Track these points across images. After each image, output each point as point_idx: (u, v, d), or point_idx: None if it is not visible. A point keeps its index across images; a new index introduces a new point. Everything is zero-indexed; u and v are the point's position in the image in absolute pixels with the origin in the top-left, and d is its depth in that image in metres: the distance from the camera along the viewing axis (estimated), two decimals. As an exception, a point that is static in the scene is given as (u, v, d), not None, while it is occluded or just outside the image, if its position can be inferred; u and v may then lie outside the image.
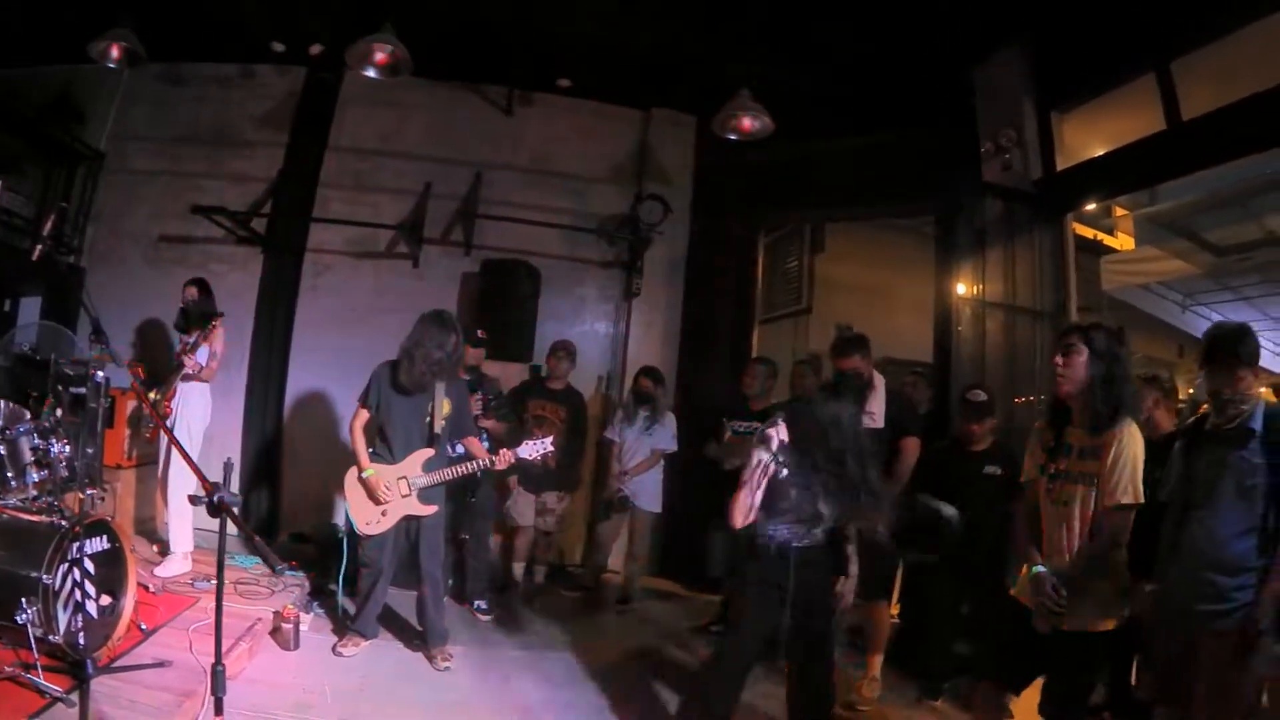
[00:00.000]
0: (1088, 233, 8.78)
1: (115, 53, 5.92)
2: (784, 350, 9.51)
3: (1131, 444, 3.22)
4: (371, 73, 5.73)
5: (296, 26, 7.43)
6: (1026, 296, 6.44)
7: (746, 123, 6.02)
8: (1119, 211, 9.28)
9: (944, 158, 6.94)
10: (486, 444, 5.76)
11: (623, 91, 8.02)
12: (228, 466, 2.93)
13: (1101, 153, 6.29)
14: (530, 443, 5.21)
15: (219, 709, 2.73)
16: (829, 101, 7.18)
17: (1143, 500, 3.22)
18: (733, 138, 6.20)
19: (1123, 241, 9.50)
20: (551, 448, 5.31)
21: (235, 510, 2.66)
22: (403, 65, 5.64)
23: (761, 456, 3.60)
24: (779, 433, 3.63)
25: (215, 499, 2.60)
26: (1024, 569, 3.49)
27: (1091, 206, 7.67)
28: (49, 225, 6.59)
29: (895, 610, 5.88)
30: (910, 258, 9.43)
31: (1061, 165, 6.48)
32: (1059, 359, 3.40)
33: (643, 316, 7.96)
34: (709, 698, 3.91)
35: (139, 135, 8.11)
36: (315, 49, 7.62)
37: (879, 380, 5.16)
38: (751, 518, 3.73)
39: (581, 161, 8.02)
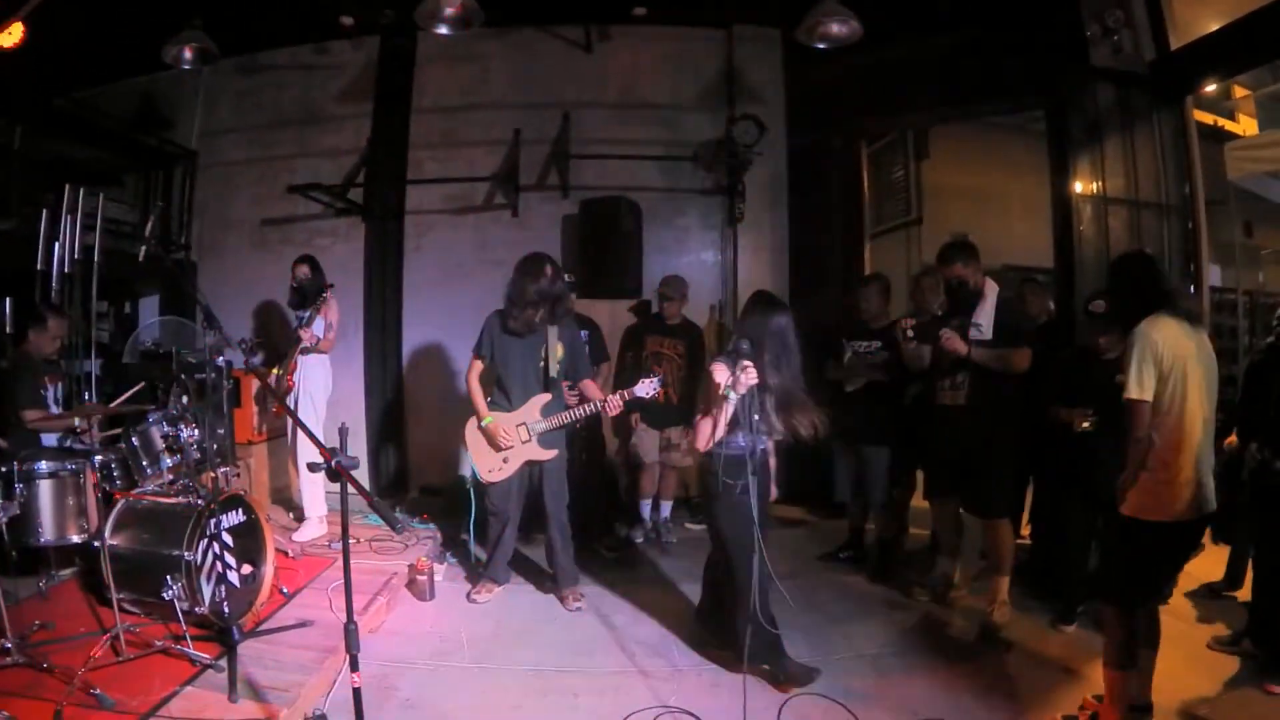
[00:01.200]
0: (1207, 119, 8.18)
1: (189, 54, 5.95)
2: (897, 264, 9.24)
3: (1132, 341, 3.45)
4: (444, 29, 5.56)
5: (363, -2, 7.39)
6: (1150, 190, 6.02)
7: (834, 28, 5.61)
8: (1239, 92, 8.66)
9: (1047, 46, 6.45)
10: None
11: (701, 11, 7.73)
12: (343, 432, 2.96)
13: (1218, 26, 5.77)
14: (644, 381, 5.08)
15: (354, 665, 2.80)
16: (919, -1, 6.78)
17: (1135, 396, 3.40)
18: (821, 46, 5.85)
19: (1245, 125, 8.83)
20: (660, 386, 5.19)
21: (353, 473, 2.67)
22: (474, 16, 5.46)
23: (731, 390, 3.82)
24: (749, 373, 3.82)
25: (333, 464, 2.63)
26: None
27: (1211, 87, 7.11)
28: (150, 226, 6.81)
29: (1026, 530, 5.68)
30: (1021, 158, 9.06)
31: (1175, 44, 5.98)
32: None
33: (749, 241, 7.72)
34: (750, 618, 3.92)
35: (227, 128, 8.32)
36: (385, 16, 7.59)
37: (990, 288, 4.87)
38: (716, 438, 4.03)
39: (669, 90, 7.78)
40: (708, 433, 4.03)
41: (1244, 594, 5.01)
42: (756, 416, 3.90)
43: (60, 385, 5.47)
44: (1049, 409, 4.81)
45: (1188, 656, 4.30)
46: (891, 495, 5.91)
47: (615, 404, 5.09)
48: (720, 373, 3.93)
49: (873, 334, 5.79)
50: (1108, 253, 6.09)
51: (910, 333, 4.99)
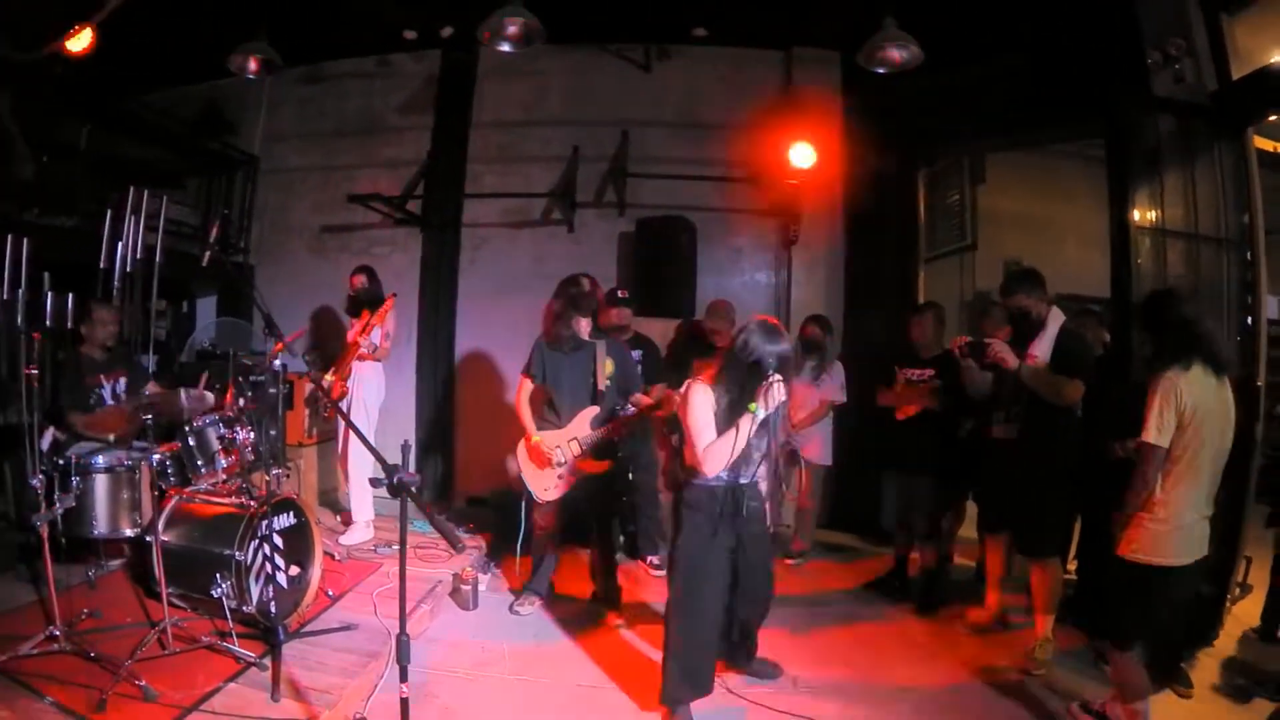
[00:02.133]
0: (1268, 145, 7.98)
1: (254, 65, 6.13)
2: (951, 289, 9.12)
3: (1159, 389, 3.51)
4: (506, 46, 5.64)
5: (426, 11, 7.53)
6: (1209, 222, 5.86)
7: (894, 53, 5.59)
8: (1302, 120, 8.45)
9: (1107, 74, 6.28)
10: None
11: (760, 33, 7.71)
12: (405, 448, 2.97)
13: None
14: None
15: (404, 676, 2.81)
16: (979, 23, 6.68)
17: (1150, 441, 3.50)
18: (880, 70, 5.83)
19: (1308, 154, 8.62)
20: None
21: (414, 489, 2.71)
22: (535, 34, 5.53)
23: (759, 406, 3.55)
24: (779, 389, 3.58)
25: (395, 480, 2.65)
26: None
27: (1274, 118, 6.95)
28: (214, 233, 6.97)
29: (1073, 565, 5.55)
30: (1077, 186, 8.91)
31: (1237, 73, 5.79)
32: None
33: (803, 263, 7.67)
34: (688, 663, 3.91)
35: (289, 135, 8.52)
36: (446, 31, 7.71)
37: (1054, 317, 4.78)
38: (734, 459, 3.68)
39: (726, 110, 7.73)
40: (724, 455, 3.63)
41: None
42: (764, 445, 3.74)
43: (123, 380, 5.54)
44: (1102, 443, 4.71)
45: (1229, 702, 4.18)
46: (939, 525, 5.83)
47: (658, 391, 5.12)
48: (700, 394, 3.73)
49: (925, 362, 5.73)
50: (1166, 285, 5.97)
51: (965, 349, 4.89)
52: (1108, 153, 6.58)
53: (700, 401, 3.71)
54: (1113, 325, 6.10)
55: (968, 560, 6.25)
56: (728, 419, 3.65)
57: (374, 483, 2.81)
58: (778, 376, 3.53)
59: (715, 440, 3.66)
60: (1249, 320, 5.78)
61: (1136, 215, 6.03)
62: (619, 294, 6.22)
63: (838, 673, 4.56)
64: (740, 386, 3.61)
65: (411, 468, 2.90)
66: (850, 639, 5.08)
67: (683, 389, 3.87)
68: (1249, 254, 5.82)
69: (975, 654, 4.95)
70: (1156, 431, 3.47)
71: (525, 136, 7.93)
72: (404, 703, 2.83)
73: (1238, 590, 5.45)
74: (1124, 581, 3.62)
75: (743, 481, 3.85)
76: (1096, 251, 6.66)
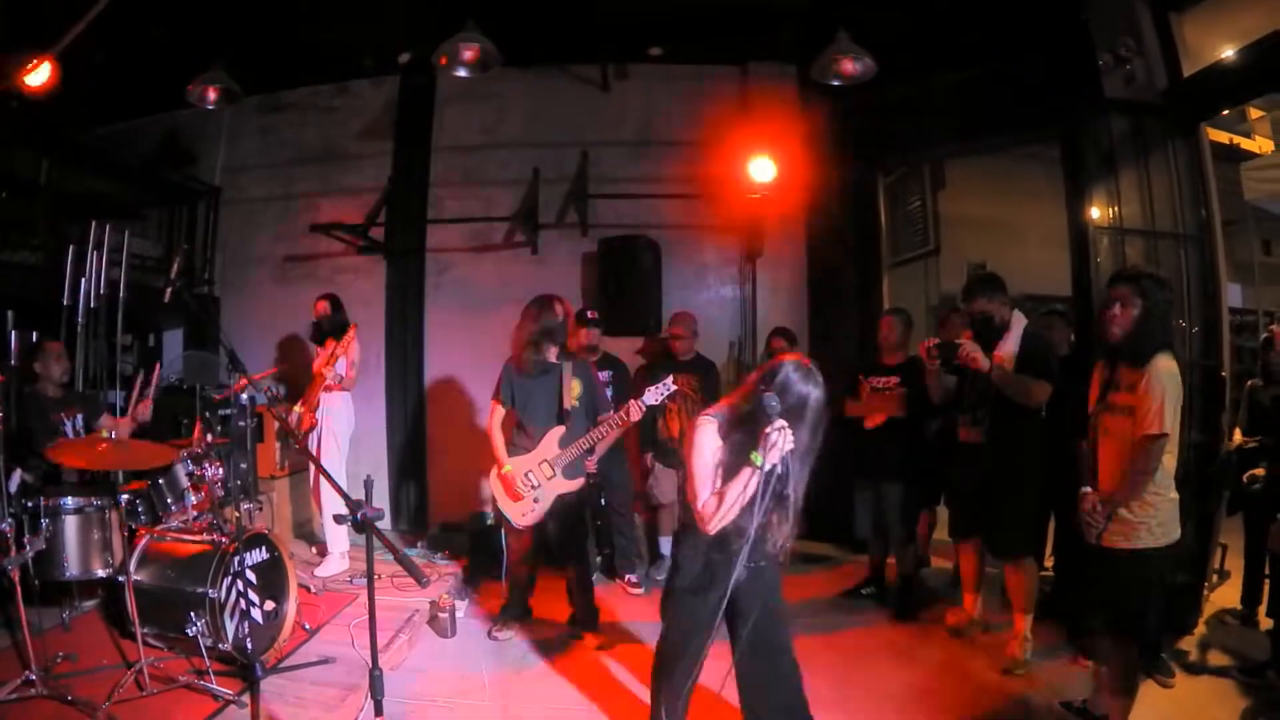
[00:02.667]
0: (1223, 137, 8.10)
1: (212, 95, 6.10)
2: (916, 295, 9.22)
3: (1162, 378, 3.49)
4: (463, 71, 5.68)
5: (382, 39, 7.59)
6: (1166, 219, 5.96)
7: (848, 66, 5.65)
8: (1255, 114, 8.54)
9: (1060, 78, 6.39)
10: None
11: (716, 50, 7.77)
12: (368, 484, 2.98)
13: (1230, 52, 5.72)
14: (652, 389, 5.01)
15: (379, 710, 2.81)
16: (932, 34, 6.80)
17: (1168, 431, 3.46)
18: (835, 83, 5.89)
19: (1262, 145, 8.73)
20: (675, 385, 5.11)
21: (378, 525, 2.73)
22: (492, 59, 5.57)
23: (761, 456, 2.86)
24: (785, 436, 2.88)
25: (359, 516, 2.66)
26: None
27: (1226, 112, 7.08)
28: (175, 269, 6.80)
29: (1049, 563, 5.66)
30: (1038, 187, 8.96)
31: (1188, 70, 5.92)
32: (1115, 310, 3.66)
33: (767, 276, 7.73)
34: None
35: (250, 165, 8.47)
36: (404, 57, 7.79)
37: (1016, 320, 4.85)
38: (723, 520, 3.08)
39: (685, 127, 7.77)
40: (715, 512, 3.05)
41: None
42: (767, 509, 2.97)
43: (79, 416, 5.45)
44: (1070, 441, 4.77)
45: (1211, 688, 4.25)
46: (913, 531, 5.89)
47: (637, 410, 5.00)
48: (706, 434, 3.15)
49: (889, 369, 5.79)
50: (1125, 285, 6.05)
51: (934, 351, 4.90)
52: (1063, 156, 6.69)
53: (704, 443, 3.13)
54: (1076, 324, 6.19)
55: (945, 563, 6.30)
56: (734, 463, 3.04)
57: (338, 519, 2.82)
58: (782, 422, 2.88)
59: (711, 496, 3.08)
60: (1213, 312, 5.89)
61: (1095, 215, 6.14)
62: (588, 315, 6.29)
63: (819, 680, 4.54)
64: (750, 429, 2.99)
65: (376, 501, 2.88)
66: (830, 647, 5.10)
67: (690, 424, 3.33)
68: (1207, 247, 5.94)
69: (955, 656, 5.02)
70: (1163, 422, 3.47)
71: (486, 159, 7.94)
72: None
73: (1215, 578, 5.56)
74: (1131, 574, 3.62)
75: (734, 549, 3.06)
76: (1060, 250, 6.73)
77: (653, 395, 4.98)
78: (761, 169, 7.08)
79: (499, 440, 5.19)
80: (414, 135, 8.05)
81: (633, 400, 5.02)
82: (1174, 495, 3.60)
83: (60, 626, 4.74)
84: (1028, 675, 4.66)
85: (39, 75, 5.36)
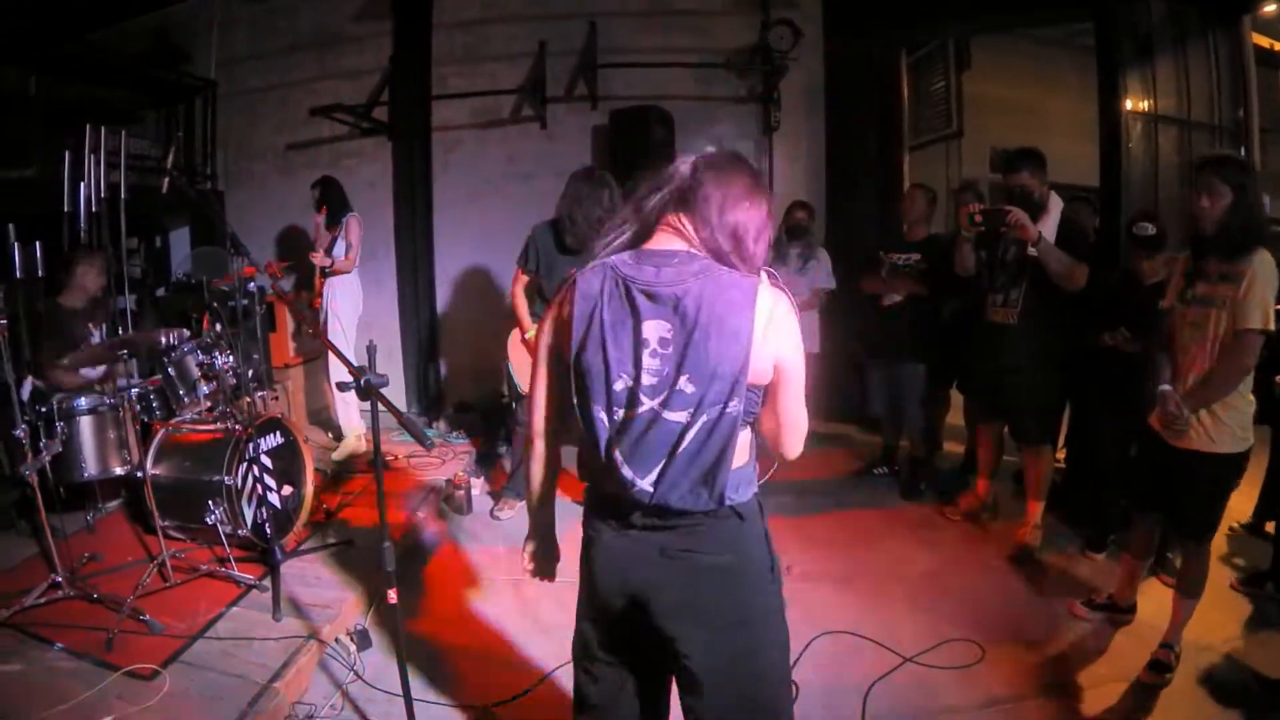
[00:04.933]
0: (1264, 42, 7.75)
1: None
2: (937, 177, 9.04)
3: (1265, 272, 3.23)
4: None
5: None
6: (1202, 110, 5.72)
7: (870, -71, 5.36)
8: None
9: None
10: None
11: (733, -90, 7.34)
12: (371, 350, 2.94)
13: None
14: None
15: (390, 582, 2.78)
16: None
17: (1272, 328, 3.24)
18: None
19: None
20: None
21: (385, 391, 2.64)
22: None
23: None
24: None
25: (362, 382, 2.60)
26: None
27: (1270, 7, 6.70)
28: (170, 160, 6.83)
29: (1062, 455, 5.49)
30: (1065, 74, 8.78)
31: None
32: (1204, 202, 3.34)
33: (785, 151, 7.45)
34: None
35: (245, 56, 8.21)
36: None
37: (1054, 202, 4.60)
38: None
39: (698, -6, 7.44)
40: None
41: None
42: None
43: (105, 328, 5.41)
44: (1092, 333, 4.61)
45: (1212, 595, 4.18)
46: (930, 412, 5.81)
47: None
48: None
49: (911, 246, 5.59)
50: (1156, 173, 5.88)
51: (978, 216, 4.55)
52: (1097, 38, 6.39)
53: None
54: (1102, 213, 5.97)
55: (955, 447, 6.23)
56: None
57: (341, 386, 2.73)
58: None
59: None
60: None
61: (1128, 102, 5.89)
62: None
63: (830, 559, 4.59)
64: None
65: (393, 385, 2.79)
66: (841, 526, 5.12)
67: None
68: (1243, 147, 5.70)
69: (966, 540, 5.01)
70: (1265, 318, 3.22)
71: (489, 35, 7.62)
72: (392, 608, 2.79)
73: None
74: (1213, 476, 3.43)
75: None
76: (1084, 142, 6.51)
77: None
78: (780, 38, 6.78)
79: (523, 305, 5.07)
80: (413, 13, 7.70)
81: None
82: (1251, 399, 3.40)
83: (85, 529, 4.80)
84: (1037, 563, 4.63)
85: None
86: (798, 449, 2.04)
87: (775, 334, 1.86)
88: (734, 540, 1.99)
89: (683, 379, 1.82)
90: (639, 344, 1.86)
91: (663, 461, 1.87)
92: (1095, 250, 5.01)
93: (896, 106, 7.78)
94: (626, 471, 1.89)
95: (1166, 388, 3.47)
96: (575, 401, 1.96)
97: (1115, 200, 5.89)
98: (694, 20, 7.39)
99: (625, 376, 1.86)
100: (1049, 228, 4.49)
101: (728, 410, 1.82)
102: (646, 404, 1.86)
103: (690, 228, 1.91)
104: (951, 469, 6.06)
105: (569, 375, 1.95)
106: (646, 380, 1.85)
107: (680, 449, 1.85)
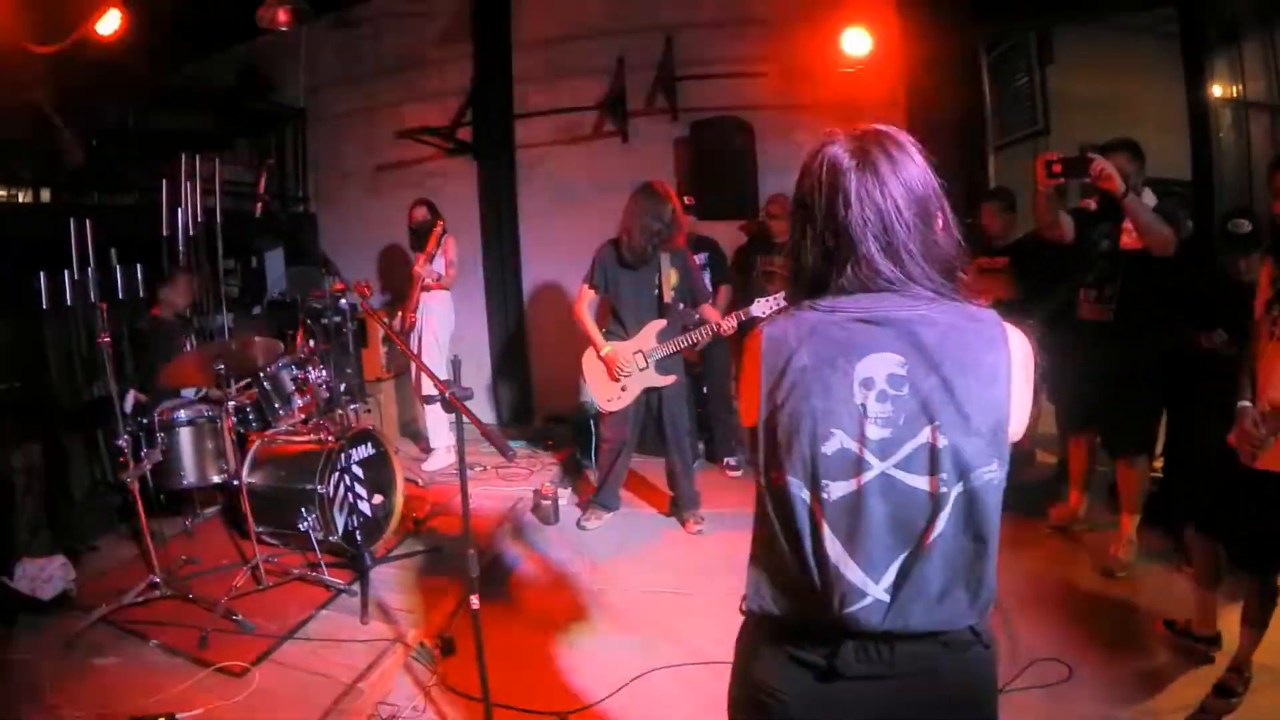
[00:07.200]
0: None
1: (283, 16, 6.02)
2: (1024, 178, 8.72)
3: None
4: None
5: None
6: None
7: (948, -73, 5.28)
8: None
9: None
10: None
11: (808, -83, 7.28)
12: (456, 364, 3.00)
13: None
14: (761, 300, 4.87)
15: (473, 589, 2.82)
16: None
17: None
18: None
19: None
20: (785, 302, 4.93)
21: (470, 404, 2.71)
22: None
23: None
24: None
25: (448, 395, 2.67)
26: None
27: None
28: (262, 183, 7.15)
29: (1159, 464, 5.18)
30: (1153, 65, 8.42)
31: None
32: None
33: (866, 156, 7.32)
34: None
35: (331, 82, 8.51)
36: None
37: (1148, 197, 4.35)
38: None
39: (771, 2, 7.38)
40: None
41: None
42: None
43: (193, 340, 5.66)
44: (1189, 334, 4.39)
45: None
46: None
47: (729, 325, 4.95)
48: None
49: (998, 250, 5.54)
50: (1249, 163, 5.65)
51: (1056, 166, 4.17)
52: (1181, 24, 6.14)
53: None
54: (1195, 209, 5.73)
55: (1047, 457, 6.01)
56: None
57: (427, 400, 2.80)
58: None
59: None
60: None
61: (1216, 89, 5.67)
62: (685, 201, 6.08)
63: None
64: None
65: (479, 399, 2.85)
66: None
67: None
68: None
69: (1057, 553, 4.86)
70: None
71: (568, 51, 7.72)
72: (475, 614, 2.84)
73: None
74: None
75: None
76: (1175, 136, 6.25)
77: (759, 308, 4.81)
78: (856, 42, 6.72)
79: (591, 324, 5.18)
80: (493, 33, 7.86)
81: (737, 311, 4.96)
82: None
83: (184, 533, 5.06)
84: (1130, 579, 4.44)
85: (108, 23, 5.32)
86: None
87: (1023, 383, 1.41)
88: (982, 692, 1.47)
89: (927, 430, 1.33)
90: (860, 385, 1.36)
91: (903, 555, 1.36)
92: (1189, 247, 4.82)
93: (979, 105, 7.59)
94: (851, 575, 1.35)
95: (1245, 404, 3.22)
96: (761, 481, 1.46)
97: (1208, 193, 5.67)
98: (770, 29, 7.33)
99: (841, 432, 1.35)
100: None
101: (991, 477, 1.37)
102: (876, 467, 1.34)
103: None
104: (1043, 480, 5.81)
105: (755, 449, 1.45)
106: (873, 433, 1.34)
107: (932, 535, 1.35)
